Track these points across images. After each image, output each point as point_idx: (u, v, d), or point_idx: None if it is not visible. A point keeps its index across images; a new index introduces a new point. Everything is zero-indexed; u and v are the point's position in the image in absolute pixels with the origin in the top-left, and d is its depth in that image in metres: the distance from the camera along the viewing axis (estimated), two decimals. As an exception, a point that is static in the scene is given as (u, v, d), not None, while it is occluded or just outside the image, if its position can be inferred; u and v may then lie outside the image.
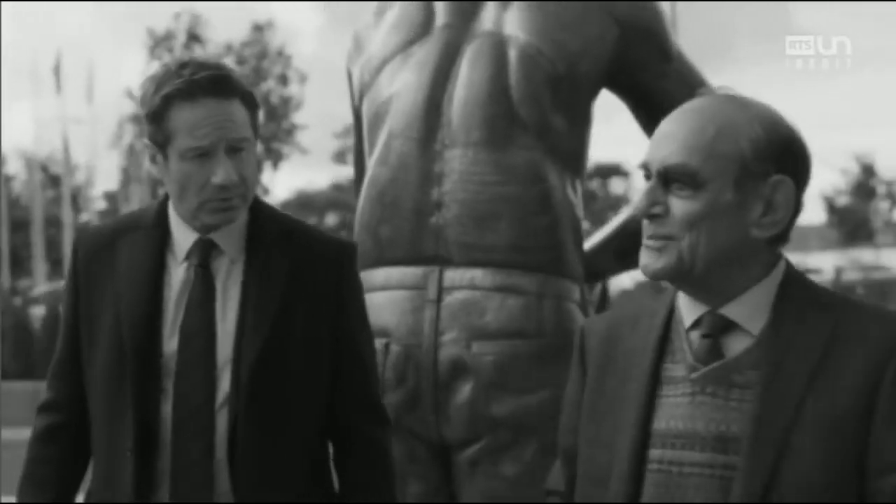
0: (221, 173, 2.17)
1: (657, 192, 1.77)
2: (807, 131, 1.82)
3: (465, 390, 2.59)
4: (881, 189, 45.90)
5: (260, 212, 2.34)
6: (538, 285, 2.62)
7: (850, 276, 28.02)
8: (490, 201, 2.63)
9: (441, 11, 2.83)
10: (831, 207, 46.73)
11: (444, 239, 2.64)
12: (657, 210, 1.77)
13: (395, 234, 2.68)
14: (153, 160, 2.25)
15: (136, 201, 44.85)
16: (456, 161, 2.66)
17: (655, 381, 1.82)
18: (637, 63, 2.78)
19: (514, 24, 2.73)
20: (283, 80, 54.42)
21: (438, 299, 2.63)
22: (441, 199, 2.66)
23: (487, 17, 2.79)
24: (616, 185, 48.67)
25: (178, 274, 2.28)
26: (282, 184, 57.40)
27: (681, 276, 1.80)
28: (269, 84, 54.25)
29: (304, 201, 46.82)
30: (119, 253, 2.31)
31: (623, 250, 2.89)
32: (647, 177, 1.81)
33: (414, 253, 2.67)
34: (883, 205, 46.02)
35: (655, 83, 2.78)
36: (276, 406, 2.24)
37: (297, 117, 52.08)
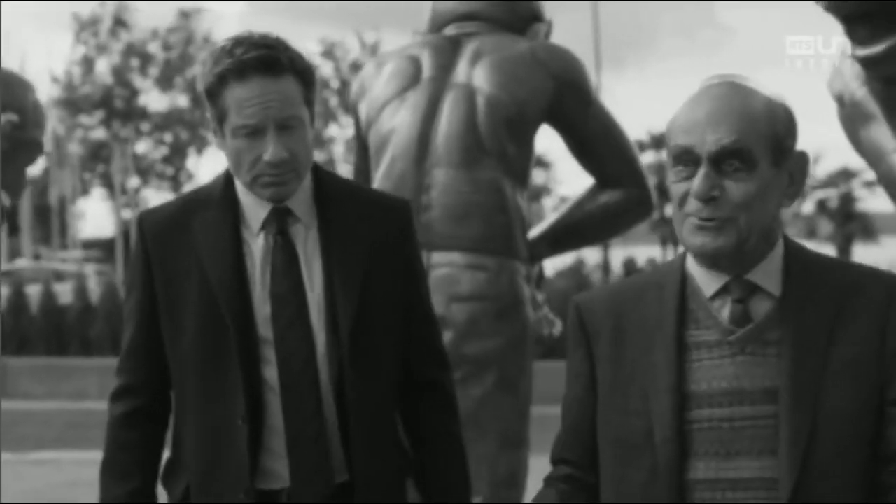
0: (271, 150, 2.17)
1: (712, 176, 1.78)
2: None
3: (446, 337, 3.25)
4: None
5: (323, 177, 2.35)
6: (497, 265, 3.59)
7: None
8: (464, 205, 3.60)
9: (427, 66, 3.85)
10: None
11: (431, 231, 3.57)
12: (715, 193, 1.79)
13: (395, 228, 3.61)
14: (214, 134, 2.28)
15: (69, 187, 44.95)
16: (440, 176, 3.64)
17: (681, 347, 1.85)
18: (567, 108, 3.79)
19: (481, 79, 3.76)
20: (209, 66, 54.28)
21: (427, 274, 3.45)
22: (429, 203, 3.63)
23: (461, 71, 3.80)
24: (537, 176, 49.55)
25: (256, 245, 2.28)
26: (206, 169, 56.45)
27: (738, 252, 1.83)
28: (195, 70, 54.18)
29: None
30: (194, 231, 2.28)
31: (556, 241, 3.92)
32: (685, 162, 1.81)
33: (409, 241, 3.65)
34: (792, 198, 47.27)
35: (579, 123, 3.80)
36: (372, 360, 2.28)
37: (223, 104, 52.06)
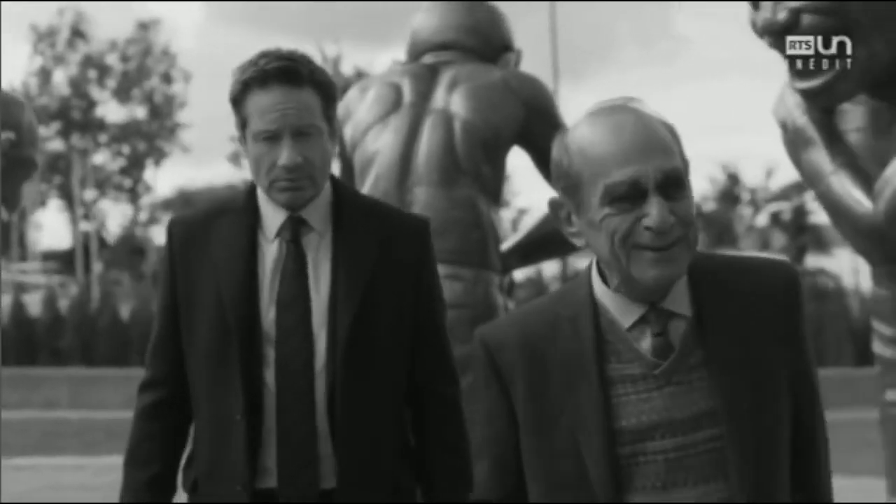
0: (286, 155, 2.27)
1: (665, 203, 1.73)
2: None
3: (427, 342, 3.87)
4: (745, 196, 47.57)
5: (341, 190, 2.44)
6: (473, 275, 3.92)
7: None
8: (443, 221, 3.88)
9: (407, 92, 4.18)
10: (699, 213, 48.15)
11: None
12: (672, 219, 1.73)
13: (379, 242, 3.89)
14: (239, 141, 2.39)
15: (29, 198, 44.55)
16: (421, 194, 3.97)
17: (604, 382, 1.80)
18: (536, 131, 4.13)
19: (458, 105, 4.09)
20: (167, 78, 54.09)
21: None
22: None
23: (439, 98, 4.14)
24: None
25: (270, 251, 2.36)
26: (164, 180, 55.65)
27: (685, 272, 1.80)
28: (153, 82, 53.98)
29: (186, 199, 46.32)
30: (213, 236, 2.38)
31: (526, 253, 4.26)
32: (627, 196, 1.74)
33: (393, 254, 3.93)
34: (746, 211, 47.71)
35: (546, 145, 4.03)
36: (369, 371, 2.32)
37: (179, 115, 51.91)
